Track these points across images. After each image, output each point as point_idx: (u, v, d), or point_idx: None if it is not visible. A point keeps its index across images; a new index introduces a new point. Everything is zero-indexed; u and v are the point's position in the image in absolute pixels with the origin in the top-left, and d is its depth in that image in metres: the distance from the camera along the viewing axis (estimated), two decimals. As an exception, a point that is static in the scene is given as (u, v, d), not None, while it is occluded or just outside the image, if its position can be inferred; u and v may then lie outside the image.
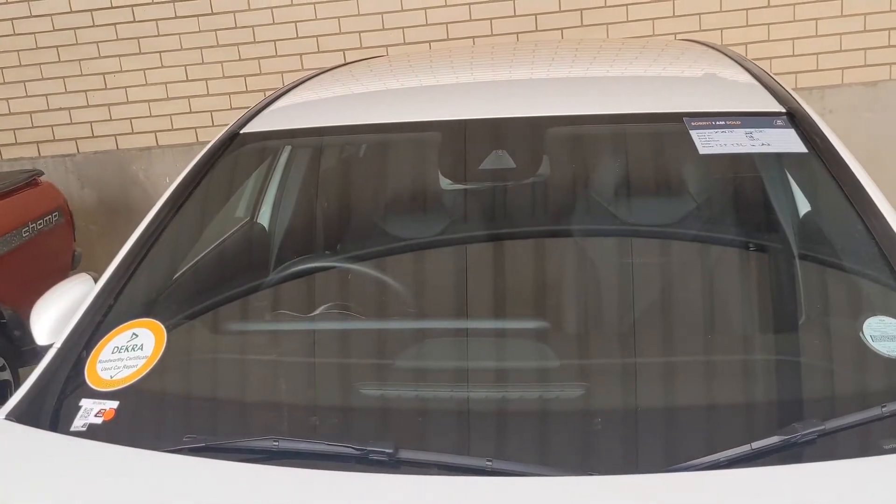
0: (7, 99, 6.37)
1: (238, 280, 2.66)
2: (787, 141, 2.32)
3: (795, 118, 2.39)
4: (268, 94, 3.03)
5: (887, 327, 1.91)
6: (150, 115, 6.28)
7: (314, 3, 5.99)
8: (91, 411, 1.92)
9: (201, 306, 2.42)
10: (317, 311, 2.46)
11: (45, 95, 6.34)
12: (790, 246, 2.44)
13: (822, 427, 1.68)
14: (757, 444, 1.65)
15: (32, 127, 6.40)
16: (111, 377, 2.00)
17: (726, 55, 3.05)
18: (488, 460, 1.67)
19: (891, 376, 1.84)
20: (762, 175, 2.64)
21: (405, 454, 1.70)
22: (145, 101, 6.26)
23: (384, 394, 2.00)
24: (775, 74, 2.86)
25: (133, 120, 6.30)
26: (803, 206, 2.56)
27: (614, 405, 1.89)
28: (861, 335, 1.90)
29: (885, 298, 2.01)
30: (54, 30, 6.20)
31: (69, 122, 6.35)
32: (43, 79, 6.31)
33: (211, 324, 2.37)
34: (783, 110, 2.42)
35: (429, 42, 5.96)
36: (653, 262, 2.52)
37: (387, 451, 1.69)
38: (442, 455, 1.71)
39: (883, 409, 1.72)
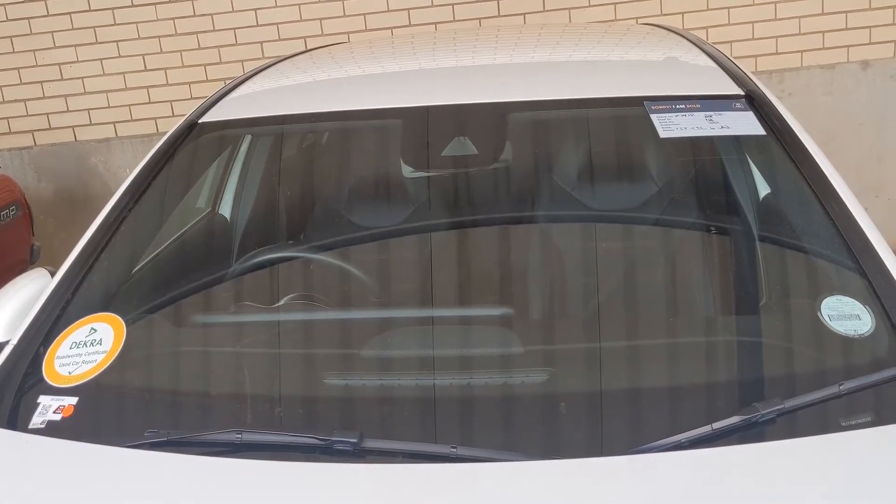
0: (-40, 91, 6.30)
1: (199, 272, 2.65)
2: (746, 123, 2.34)
3: (754, 101, 2.41)
4: (228, 82, 3.02)
5: (844, 306, 1.93)
6: (109, 106, 6.22)
7: (274, -10, 5.97)
8: (50, 408, 1.90)
9: (161, 299, 2.41)
10: (280, 302, 2.45)
11: None
12: (750, 228, 2.46)
13: (782, 406, 1.70)
14: (718, 425, 1.67)
15: (-12, 119, 6.33)
16: (70, 373, 1.98)
17: (687, 39, 3.06)
18: (452, 447, 1.67)
19: (848, 355, 1.86)
20: (723, 158, 2.66)
21: (370, 443, 1.70)
22: (103, 91, 6.19)
23: (349, 383, 2.00)
24: (735, 58, 2.88)
25: (91, 111, 6.24)
26: (763, 189, 2.58)
27: (578, 389, 1.90)
28: (819, 315, 1.92)
29: (842, 279, 2.03)
30: (7, 20, 6.12)
31: (25, 114, 6.28)
32: (-3, 70, 6.25)
33: (172, 317, 2.35)
34: (742, 93, 2.44)
35: (391, 28, 5.94)
36: (616, 246, 2.54)
37: (351, 440, 1.69)
38: (407, 443, 1.72)
39: (840, 388, 1.74)
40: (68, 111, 6.24)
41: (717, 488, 1.57)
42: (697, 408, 1.80)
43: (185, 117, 2.70)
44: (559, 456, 1.67)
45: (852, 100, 5.78)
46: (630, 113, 2.51)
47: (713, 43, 3.18)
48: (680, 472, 1.62)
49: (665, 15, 5.75)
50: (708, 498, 1.56)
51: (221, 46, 6.07)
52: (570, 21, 5.87)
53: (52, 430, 1.85)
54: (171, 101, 6.16)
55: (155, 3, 6.02)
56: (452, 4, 5.88)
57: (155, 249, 2.63)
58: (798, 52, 5.77)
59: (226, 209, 3.22)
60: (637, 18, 5.80)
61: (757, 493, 1.55)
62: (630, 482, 1.60)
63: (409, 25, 5.93)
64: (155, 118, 6.18)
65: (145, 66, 6.13)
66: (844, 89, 5.77)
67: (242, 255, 2.69)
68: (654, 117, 2.33)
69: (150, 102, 6.18)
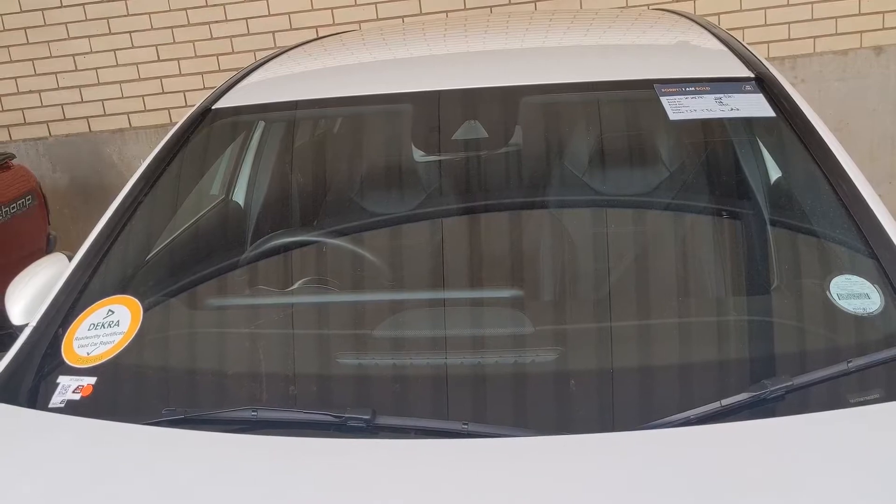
0: (-25, 83, 6.35)
1: (214, 257, 2.68)
2: (756, 106, 2.35)
3: (764, 83, 2.42)
4: (242, 69, 3.04)
5: (853, 285, 1.94)
6: (122, 97, 6.26)
7: (285, -20, 6.00)
8: (69, 388, 1.94)
9: (177, 283, 2.44)
10: (294, 286, 2.48)
11: (14, 78, 6.30)
12: (761, 211, 2.47)
13: (790, 383, 1.72)
14: (727, 401, 1.69)
15: (3, 111, 6.36)
16: (88, 354, 2.01)
17: (697, 23, 3.07)
18: (464, 423, 1.70)
19: (856, 333, 1.88)
20: (733, 141, 2.67)
21: (383, 420, 1.73)
22: (117, 82, 6.23)
23: (362, 363, 2.03)
24: (748, 44, 2.89)
25: (105, 102, 6.28)
26: (774, 172, 2.59)
27: (588, 367, 1.93)
28: (828, 294, 1.94)
29: (852, 259, 2.05)
30: (21, 11, 6.16)
31: (40, 104, 6.32)
32: (11, 61, 6.28)
33: (187, 300, 2.38)
34: (752, 75, 2.45)
35: (401, 17, 5.96)
36: (626, 230, 2.55)
37: (364, 417, 1.72)
38: (419, 420, 1.74)
39: (849, 365, 1.76)
40: (82, 102, 6.28)
41: (727, 463, 1.59)
42: (707, 385, 1.83)
43: (200, 103, 2.72)
44: (569, 431, 1.69)
45: (866, 86, 5.77)
46: (640, 96, 2.52)
47: (725, 28, 3.19)
48: (689, 447, 1.64)
49: (677, 1, 5.75)
50: (717, 472, 1.58)
51: (234, 36, 6.09)
52: (581, 7, 5.88)
53: (71, 408, 1.89)
54: (184, 92, 6.19)
55: (167, -6, 6.05)
56: (463, -8, 5.90)
57: (170, 235, 2.66)
58: (811, 37, 5.76)
59: (240, 195, 3.24)
60: (649, 5, 5.81)
61: (766, 467, 1.57)
62: (640, 457, 1.62)
63: (420, 14, 5.95)
64: (168, 108, 6.22)
65: (158, 57, 6.17)
66: (858, 75, 5.76)
67: (256, 239, 2.71)
68: (663, 100, 2.35)
69: (163, 93, 6.21)
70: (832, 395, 1.73)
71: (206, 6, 6.05)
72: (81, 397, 1.91)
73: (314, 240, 2.64)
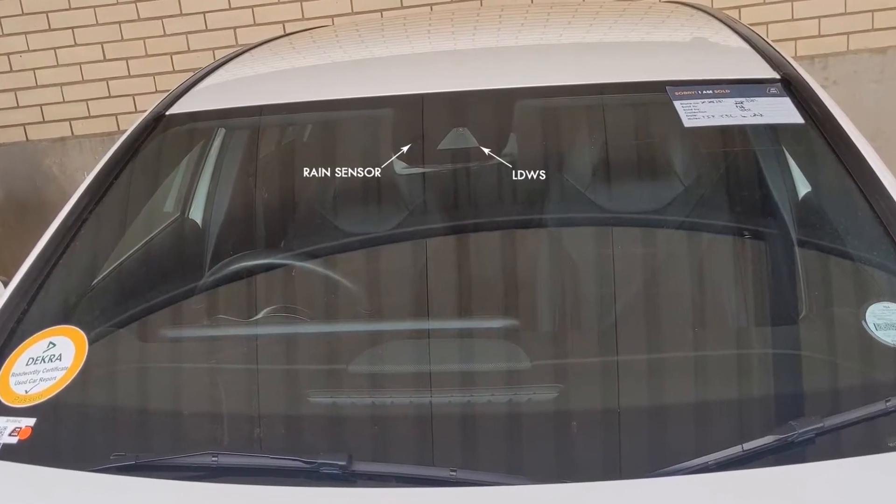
0: None
1: (168, 281, 2.68)
2: (783, 111, 2.36)
3: (791, 85, 2.43)
4: (199, 70, 3.05)
5: (892, 314, 1.95)
6: (64, 101, 6.25)
7: (249, -32, 6.01)
8: (5, 430, 1.93)
9: (127, 311, 2.43)
10: (259, 315, 2.49)
11: (-58, 81, 6.31)
12: (788, 231, 2.48)
13: (821, 424, 1.72)
14: (749, 445, 1.69)
15: (-71, 118, 6.36)
16: (26, 392, 2.01)
17: (715, 18, 3.09)
18: (452, 470, 1.70)
19: None
20: (756, 151, 2.69)
21: (360, 466, 1.73)
22: (57, 84, 6.23)
23: (336, 402, 2.03)
24: (773, 41, 2.90)
25: (44, 106, 6.27)
26: (802, 186, 2.60)
27: (592, 407, 1.93)
28: (864, 323, 1.94)
29: (890, 284, 2.05)
30: (-50, 6, 6.18)
31: (-30, 110, 6.33)
32: (-62, 62, 6.29)
33: (139, 330, 2.38)
34: (777, 77, 2.46)
35: (380, 11, 5.98)
36: (635, 252, 2.55)
37: (339, 463, 1.72)
38: (401, 466, 1.75)
39: (888, 404, 1.76)
40: (18, 107, 6.27)
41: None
42: (727, 427, 1.83)
43: (151, 109, 2.73)
44: (571, 479, 1.69)
45: (905, 88, 5.81)
46: (650, 100, 2.54)
47: (747, 24, 3.21)
48: (707, 497, 1.65)
49: (693, -8, 5.78)
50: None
51: (190, 33, 6.10)
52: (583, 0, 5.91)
53: (7, 453, 1.88)
54: (133, 96, 6.19)
55: (115, -15, 6.06)
56: (450, -17, 5.93)
57: (119, 257, 2.66)
58: (844, 34, 5.79)
59: (197, 212, 3.24)
60: (661, -3, 5.84)
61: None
62: (652, 507, 1.63)
63: (401, 7, 5.97)
64: (115, 114, 6.21)
65: (104, 56, 6.17)
66: (896, 76, 5.80)
67: (216, 263, 2.71)
68: (677, 104, 2.36)
69: (109, 97, 6.21)
70: (868, 439, 1.74)
71: (159, -2, 6.06)
72: (19, 441, 1.91)
73: (281, 263, 2.65)
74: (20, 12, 6.13)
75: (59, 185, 6.30)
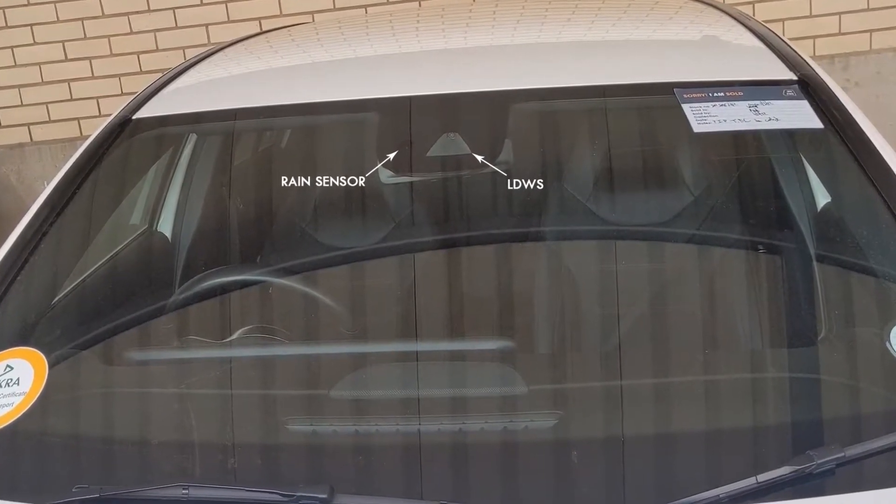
0: None
1: (135, 300, 2.67)
2: (800, 115, 2.37)
3: (809, 87, 2.44)
4: (169, 71, 3.05)
5: (919, 336, 1.95)
6: (22, 104, 6.25)
7: (222, -39, 6.02)
8: (-43, 461, 1.93)
9: (91, 332, 2.43)
10: (233, 336, 2.48)
11: None
12: (806, 245, 2.49)
13: (842, 454, 1.72)
14: (764, 477, 1.69)
15: None
16: (-19, 419, 2.02)
17: (728, 14, 3.10)
18: (441, 503, 1.71)
19: None
20: (772, 160, 2.69)
21: (342, 499, 1.73)
22: (14, 86, 6.23)
23: (317, 430, 2.03)
24: (789, 39, 2.91)
25: (0, 110, 6.27)
26: (821, 197, 2.60)
27: (594, 435, 1.93)
28: (888, 345, 1.95)
29: None
30: None
31: (-80, 114, 6.33)
32: None
33: (103, 353, 2.38)
34: (794, 78, 2.47)
35: (364, 7, 5.99)
36: (640, 268, 2.56)
37: (320, 496, 1.72)
38: (387, 500, 1.75)
39: None
40: (-28, 111, 6.28)
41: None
42: (740, 457, 1.84)
43: (117, 113, 2.73)
44: None
45: (934, 90, 5.82)
46: (657, 103, 2.55)
47: (761, 20, 3.22)
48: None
49: (703, -13, 5.80)
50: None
51: (158, 30, 6.11)
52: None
53: None
54: (97, 98, 6.19)
55: (77, -21, 6.07)
56: (440, -23, 5.94)
57: (82, 273, 2.66)
58: (866, 31, 5.80)
59: (166, 225, 3.24)
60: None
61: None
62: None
63: (387, 3, 5.98)
64: (78, 119, 6.22)
65: (66, 56, 6.17)
66: (925, 78, 5.81)
67: (187, 279, 2.71)
68: (686, 108, 2.37)
69: (71, 99, 6.21)
70: (893, 470, 1.74)
71: (125, -7, 6.07)
72: (-27, 472, 1.91)
73: (258, 279, 2.65)
74: (-26, 8, 6.14)
75: (16, 195, 6.29)
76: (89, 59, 6.16)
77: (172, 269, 2.97)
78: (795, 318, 2.32)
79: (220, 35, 5.95)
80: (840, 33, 5.80)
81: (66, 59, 6.18)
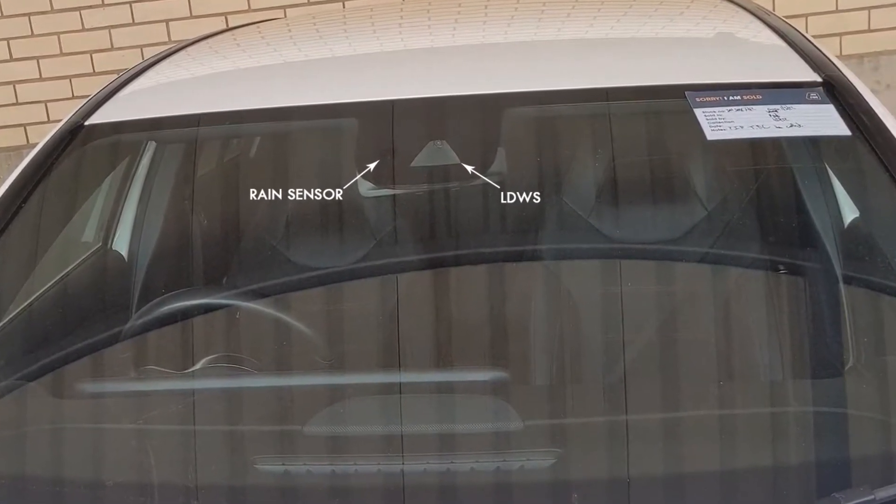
0: None
1: (88, 325, 2.67)
2: (825, 120, 2.37)
3: (835, 89, 2.44)
4: (124, 72, 3.06)
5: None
6: (-39, 109, 6.27)
7: (184, -49, 6.04)
8: None
9: (38, 361, 2.43)
10: (197, 366, 2.49)
11: None
12: (832, 265, 2.49)
13: (872, 497, 1.73)
14: None
15: None
16: (-86, 458, 2.02)
17: (745, 9, 3.11)
18: None
19: None
20: (794, 171, 2.70)
21: None
22: (-47, 88, 6.25)
23: (289, 470, 2.04)
24: (813, 37, 2.92)
25: (-63, 115, 6.29)
26: (849, 212, 2.61)
27: (596, 476, 1.94)
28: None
29: None
30: None
31: None
32: None
33: (52, 384, 2.38)
34: (819, 79, 2.48)
35: (342, 1, 6.00)
36: (648, 289, 2.56)
37: None
38: None
39: None
40: None
41: None
42: (759, 499, 1.85)
43: (67, 118, 2.73)
44: None
45: (972, 94, 5.84)
46: (667, 107, 2.56)
47: (782, 16, 3.23)
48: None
49: (718, -20, 5.82)
50: None
51: (113, 27, 6.11)
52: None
53: None
54: (45, 102, 6.19)
55: (23, -31, 6.08)
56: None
57: (29, 296, 2.66)
58: (899, 28, 5.83)
59: (122, 243, 3.24)
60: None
61: None
62: None
63: (369, -3, 6.01)
64: (24, 125, 6.22)
65: (11, 55, 6.17)
66: (962, 80, 5.83)
67: (145, 303, 2.71)
68: (698, 113, 2.38)
69: (17, 104, 6.21)
70: None
71: (77, -15, 6.08)
72: None
73: (224, 303, 2.65)
74: None
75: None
76: (37, 58, 6.16)
77: (129, 292, 2.97)
78: (820, 345, 2.32)
79: (182, 32, 5.96)
80: (869, 30, 5.81)
81: (11, 59, 6.18)
